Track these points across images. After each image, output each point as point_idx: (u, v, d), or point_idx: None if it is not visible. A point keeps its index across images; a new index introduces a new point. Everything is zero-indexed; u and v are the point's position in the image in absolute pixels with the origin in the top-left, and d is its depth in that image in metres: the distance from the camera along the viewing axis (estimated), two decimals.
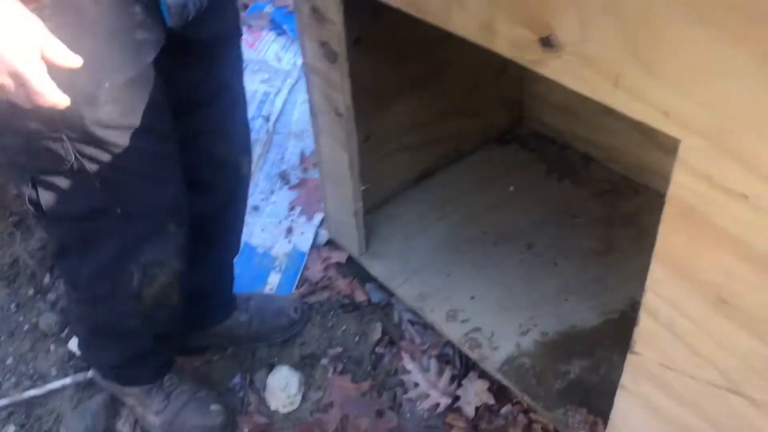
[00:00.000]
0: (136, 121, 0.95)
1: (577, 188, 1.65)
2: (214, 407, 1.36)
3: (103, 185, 0.97)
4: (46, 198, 0.99)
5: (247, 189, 1.35)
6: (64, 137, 0.91)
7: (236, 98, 1.20)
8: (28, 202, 1.01)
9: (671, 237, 0.81)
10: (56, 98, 0.79)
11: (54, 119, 0.88)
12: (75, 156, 0.93)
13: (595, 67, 0.77)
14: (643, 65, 0.72)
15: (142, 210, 1.05)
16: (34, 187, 0.98)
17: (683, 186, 0.76)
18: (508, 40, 0.86)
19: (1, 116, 0.87)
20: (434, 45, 1.48)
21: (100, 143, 0.93)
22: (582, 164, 1.71)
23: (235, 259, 1.43)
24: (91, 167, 0.95)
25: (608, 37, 0.74)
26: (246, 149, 1.27)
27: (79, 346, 1.42)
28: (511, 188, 1.66)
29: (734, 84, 0.65)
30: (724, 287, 0.79)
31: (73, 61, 0.79)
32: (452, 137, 1.70)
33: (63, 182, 0.97)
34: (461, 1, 0.90)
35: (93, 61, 0.85)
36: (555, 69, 0.82)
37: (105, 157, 0.95)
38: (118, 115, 0.93)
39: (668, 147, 1.50)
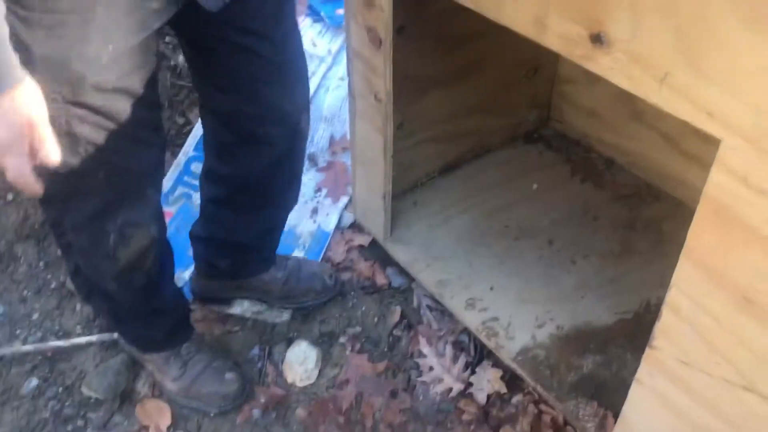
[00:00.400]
0: (130, 85, 0.99)
1: (599, 191, 1.69)
2: (229, 375, 1.40)
3: (88, 148, 1.00)
4: None
5: (305, 145, 1.37)
6: (60, 98, 0.93)
7: (297, 52, 1.22)
8: None
9: (702, 235, 0.84)
10: (30, 188, 0.91)
11: (57, 78, 0.90)
12: (65, 119, 0.95)
13: (643, 65, 0.80)
14: (692, 64, 0.75)
15: (123, 173, 1.08)
16: None
17: (719, 185, 0.79)
18: (559, 35, 0.89)
19: None
20: (472, 40, 1.51)
21: (92, 108, 0.96)
22: (605, 168, 1.75)
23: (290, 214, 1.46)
24: (80, 130, 0.98)
25: (660, 36, 0.77)
26: (305, 105, 1.29)
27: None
28: (535, 186, 1.70)
29: None
30: (750, 287, 0.82)
31: (53, 159, 0.89)
32: (481, 132, 1.73)
33: None
34: None
35: (104, 22, 0.89)
36: (603, 65, 0.85)
37: (94, 119, 0.98)
38: (114, 78, 0.96)
39: (692, 155, 1.55)
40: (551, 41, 0.91)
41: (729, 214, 0.79)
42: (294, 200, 1.43)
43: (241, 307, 1.55)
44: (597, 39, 0.84)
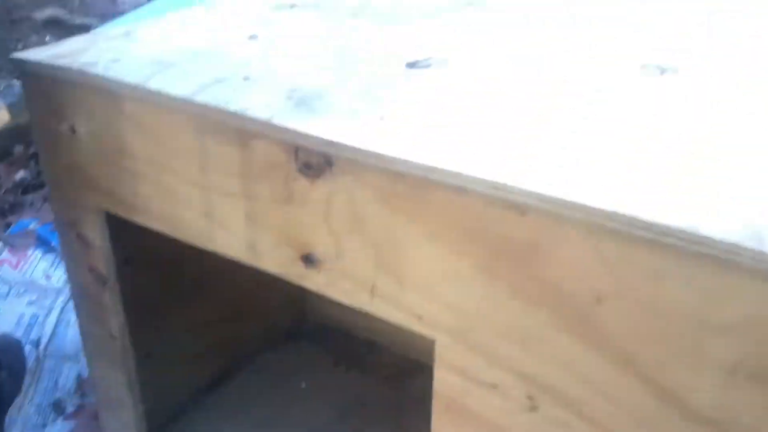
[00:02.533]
0: None
1: (364, 376, 1.70)
2: None
3: None
4: None
5: None
6: None
7: None
8: None
9: (443, 429, 0.86)
10: None
11: None
12: None
13: (352, 280, 0.85)
14: (393, 276, 0.80)
15: None
16: None
17: (444, 381, 0.83)
18: (273, 259, 0.92)
19: None
20: (209, 252, 1.51)
21: None
22: (367, 351, 1.78)
23: None
24: None
25: (360, 253, 0.82)
26: None
27: None
28: (303, 385, 1.67)
29: (466, 290, 0.75)
30: None
31: None
32: (237, 340, 1.68)
33: None
34: (223, 225, 0.95)
35: None
36: (318, 283, 0.88)
37: None
38: None
39: None
40: (267, 264, 0.93)
41: (458, 406, 0.83)
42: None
43: None
44: (308, 260, 0.88)
